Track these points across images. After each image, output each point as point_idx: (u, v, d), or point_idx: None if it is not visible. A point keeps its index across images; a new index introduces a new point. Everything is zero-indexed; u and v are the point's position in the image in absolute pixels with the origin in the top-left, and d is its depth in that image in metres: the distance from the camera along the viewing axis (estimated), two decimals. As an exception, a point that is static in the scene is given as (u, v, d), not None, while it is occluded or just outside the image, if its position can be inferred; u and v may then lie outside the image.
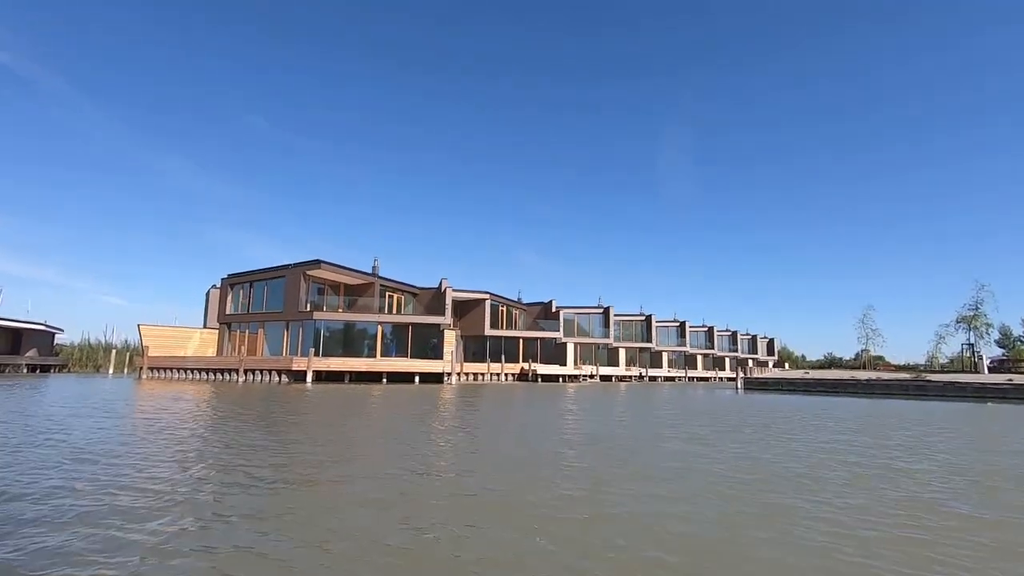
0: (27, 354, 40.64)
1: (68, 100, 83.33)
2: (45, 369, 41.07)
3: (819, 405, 19.12)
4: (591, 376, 43.43)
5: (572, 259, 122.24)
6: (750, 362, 74.76)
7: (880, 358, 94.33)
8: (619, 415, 12.98)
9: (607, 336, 50.17)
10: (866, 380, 30.08)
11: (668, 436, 8.93)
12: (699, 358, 61.97)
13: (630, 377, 49.02)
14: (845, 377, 32.42)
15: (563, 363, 43.35)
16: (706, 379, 59.62)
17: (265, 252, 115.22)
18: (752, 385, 33.21)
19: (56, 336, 45.36)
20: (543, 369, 39.59)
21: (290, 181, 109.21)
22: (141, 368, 32.63)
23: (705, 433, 9.46)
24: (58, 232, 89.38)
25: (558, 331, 45.38)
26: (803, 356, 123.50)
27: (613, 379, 46.64)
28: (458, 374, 32.82)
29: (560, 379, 40.63)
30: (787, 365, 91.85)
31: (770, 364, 76.81)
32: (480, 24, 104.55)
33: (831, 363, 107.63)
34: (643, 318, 55.74)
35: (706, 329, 65.99)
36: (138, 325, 33.35)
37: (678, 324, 61.13)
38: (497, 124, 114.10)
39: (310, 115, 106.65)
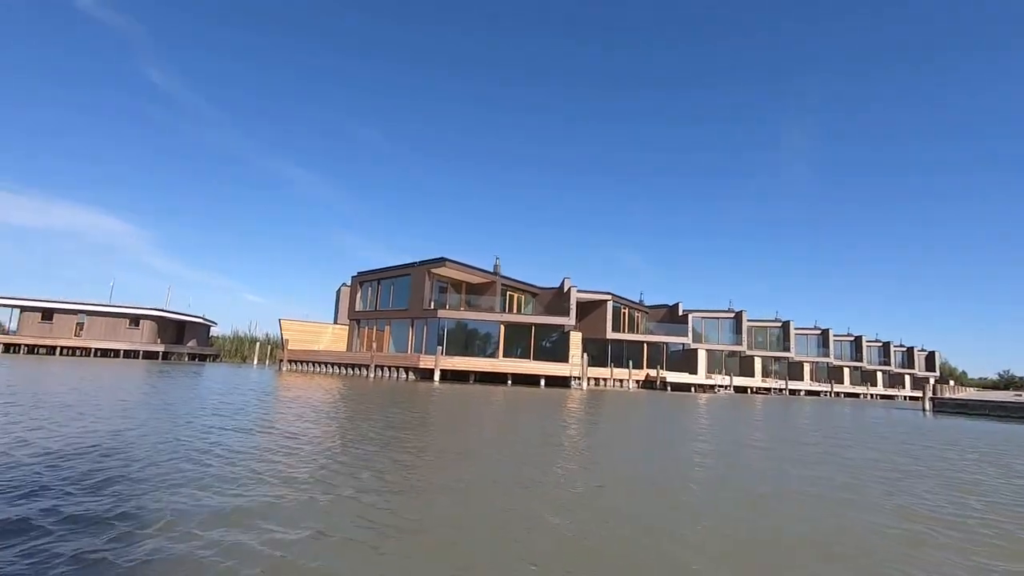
0: (188, 344, 45.34)
1: (217, 123, 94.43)
2: (202, 358, 45.54)
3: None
4: (726, 387, 39.07)
5: (688, 266, 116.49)
6: (907, 377, 64.47)
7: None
8: (832, 450, 10.03)
9: (739, 343, 45.23)
10: (1121, 409, 23.18)
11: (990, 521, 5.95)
12: (846, 371, 54.10)
13: (768, 389, 43.65)
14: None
15: (692, 371, 39.49)
16: (855, 395, 51.80)
17: (379, 255, 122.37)
18: (946, 407, 27.28)
19: (211, 329, 50.37)
20: (673, 377, 36.17)
21: (401, 190, 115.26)
22: (281, 360, 34.58)
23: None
24: (210, 238, 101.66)
25: (686, 336, 41.56)
26: (964, 372, 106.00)
27: (748, 391, 41.76)
28: (587, 379, 30.63)
29: (691, 388, 36.91)
30: (952, 383, 78.36)
31: (931, 381, 65.50)
32: (590, 43, 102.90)
33: (1008, 383, 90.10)
34: (779, 324, 49.74)
35: (852, 339, 57.65)
36: (279, 319, 35.42)
37: (820, 332, 53.92)
38: (602, 134, 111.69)
39: (420, 130, 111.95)
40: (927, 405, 27.47)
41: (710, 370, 41.82)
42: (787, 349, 48.69)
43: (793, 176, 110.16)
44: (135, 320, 41.47)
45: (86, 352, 39.47)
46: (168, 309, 42.89)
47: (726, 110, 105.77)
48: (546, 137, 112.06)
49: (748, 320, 46.40)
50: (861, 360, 56.72)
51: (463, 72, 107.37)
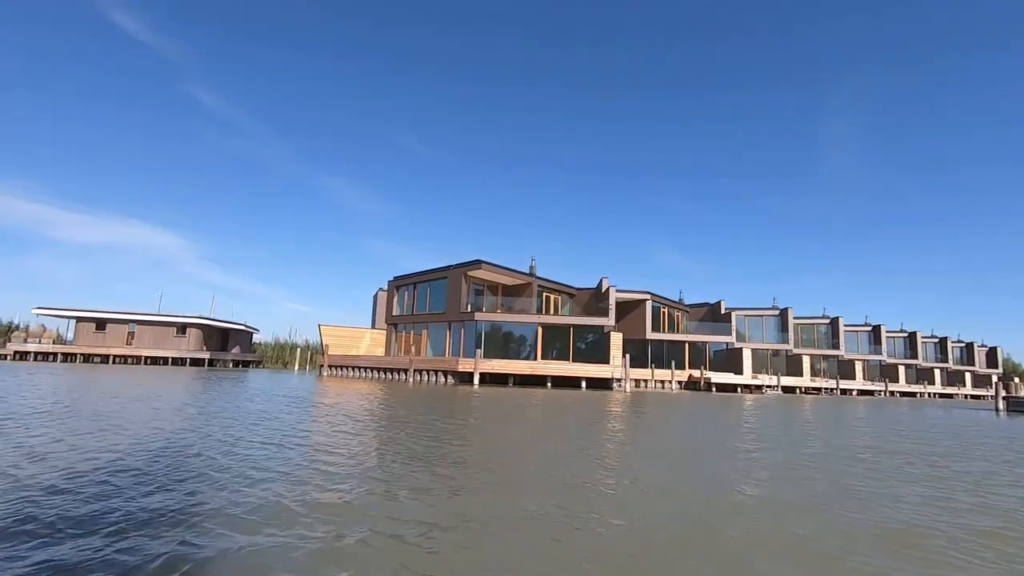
0: (232, 350, 46.50)
1: (256, 135, 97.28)
2: (245, 364, 46.60)
3: None
4: (773, 387, 37.48)
5: (730, 265, 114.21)
6: (967, 375, 60.71)
7: None
8: (935, 460, 9.12)
9: (785, 341, 43.43)
10: None
11: None
12: (900, 369, 51.31)
13: (818, 389, 41.73)
14: None
15: (737, 371, 38.06)
16: (911, 394, 49.08)
17: (412, 261, 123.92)
18: (1022, 407, 25.37)
19: (253, 335, 51.59)
20: (717, 377, 34.92)
21: (433, 195, 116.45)
22: (322, 366, 34.95)
23: None
24: (249, 247, 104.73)
25: (729, 335, 40.14)
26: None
27: (797, 391, 39.98)
28: (630, 380, 29.81)
29: (737, 389, 35.55)
30: (1017, 380, 73.61)
31: (994, 378, 61.53)
32: (626, 44, 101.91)
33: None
34: (827, 321, 47.57)
35: (906, 335, 54.72)
36: (319, 325, 35.84)
37: (871, 328, 51.34)
38: (636, 134, 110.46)
39: (451, 135, 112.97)
40: (1000, 404, 25.60)
41: (756, 370, 40.25)
42: (836, 347, 46.52)
43: (833, 173, 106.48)
44: (182, 328, 42.76)
45: (136, 360, 40.90)
46: (212, 317, 44.08)
47: (765, 108, 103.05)
48: (549, 137, 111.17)
49: (794, 318, 44.52)
50: (916, 357, 53.81)
51: (462, 72, 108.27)
